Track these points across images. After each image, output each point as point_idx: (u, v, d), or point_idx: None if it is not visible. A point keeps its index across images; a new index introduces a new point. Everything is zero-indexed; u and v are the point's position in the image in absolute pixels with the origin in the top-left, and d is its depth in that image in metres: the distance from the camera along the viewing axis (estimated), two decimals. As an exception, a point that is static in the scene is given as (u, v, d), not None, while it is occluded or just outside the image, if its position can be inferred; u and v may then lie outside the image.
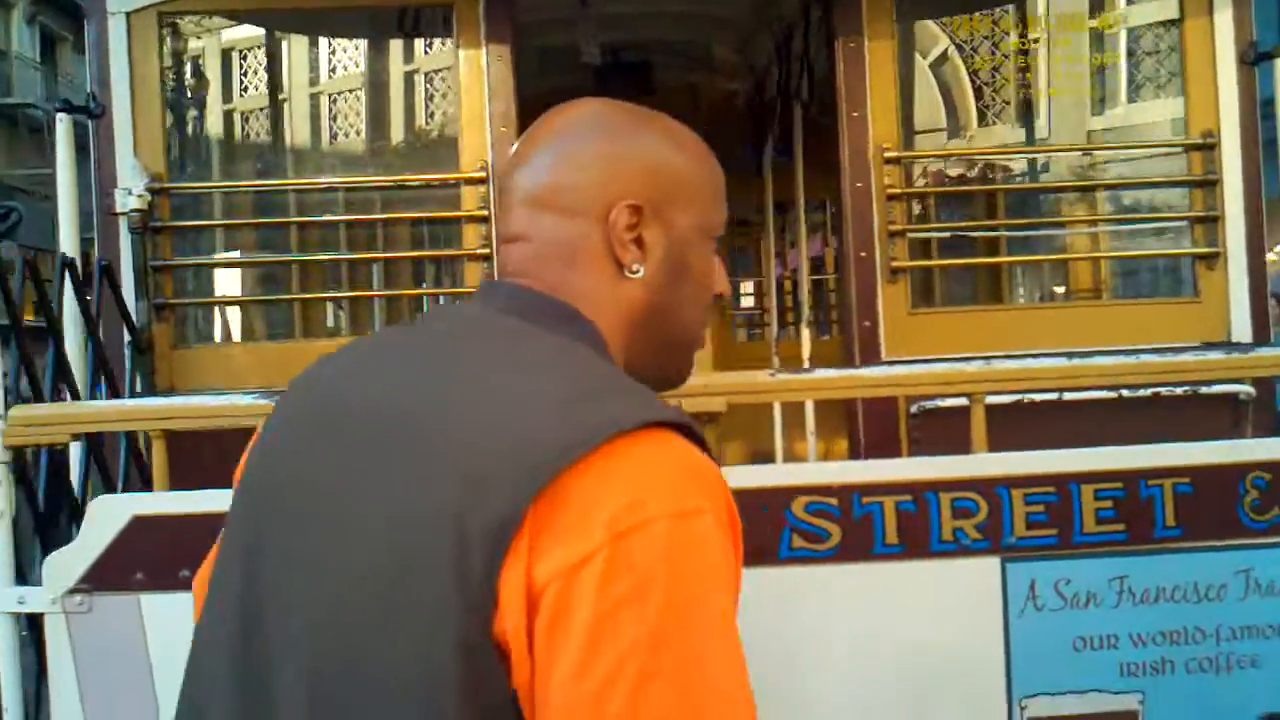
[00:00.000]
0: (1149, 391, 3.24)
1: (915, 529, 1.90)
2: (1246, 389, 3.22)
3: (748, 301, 10.40)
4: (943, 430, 2.89)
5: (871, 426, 3.37)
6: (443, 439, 1.06)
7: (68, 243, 3.26)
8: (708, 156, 1.28)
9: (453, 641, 0.98)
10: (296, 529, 1.12)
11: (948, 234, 3.95)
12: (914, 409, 3.32)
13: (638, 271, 1.20)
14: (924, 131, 4.62)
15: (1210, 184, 3.45)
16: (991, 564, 1.91)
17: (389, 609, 1.03)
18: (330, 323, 4.23)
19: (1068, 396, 3.18)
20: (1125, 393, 3.23)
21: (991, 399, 2.06)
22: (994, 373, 1.96)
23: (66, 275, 2.91)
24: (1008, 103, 4.52)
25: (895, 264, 3.38)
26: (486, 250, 3.48)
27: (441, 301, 4.40)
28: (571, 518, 0.98)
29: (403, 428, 1.09)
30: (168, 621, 1.95)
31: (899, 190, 3.43)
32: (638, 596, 0.96)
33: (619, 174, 1.21)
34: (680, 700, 0.95)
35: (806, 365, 5.09)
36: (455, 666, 0.98)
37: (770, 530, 1.90)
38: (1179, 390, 3.23)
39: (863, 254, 3.39)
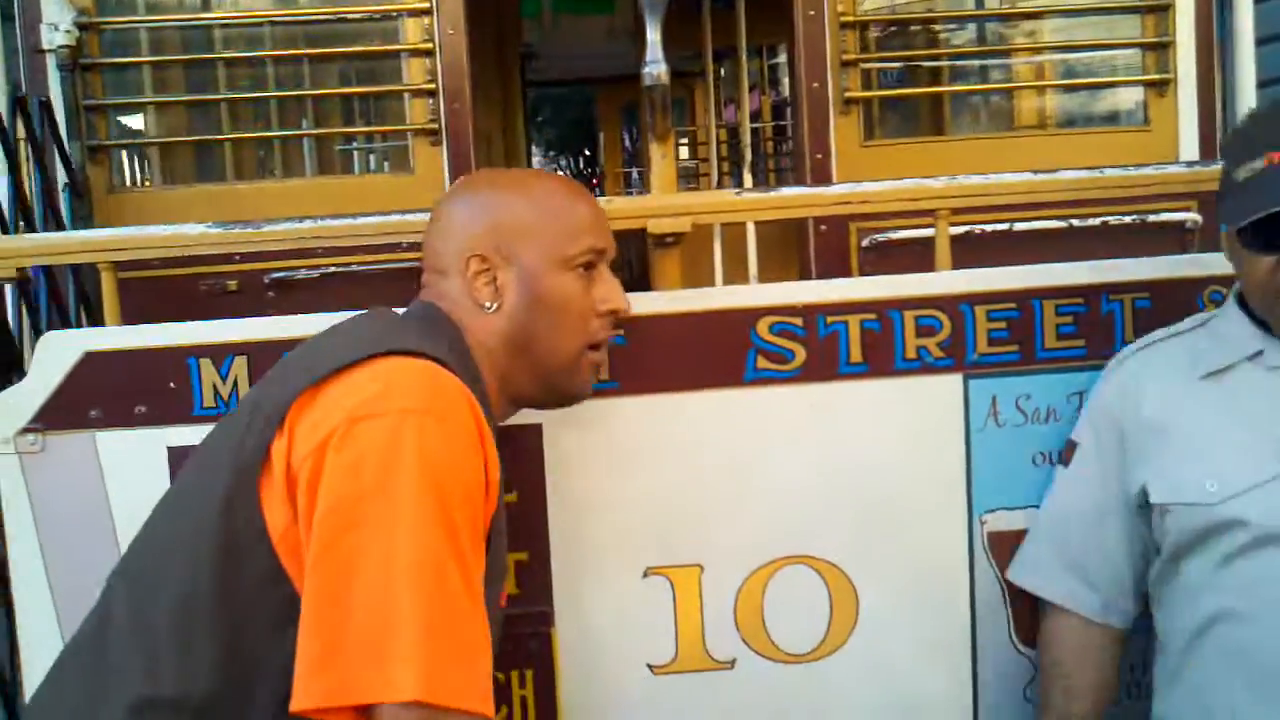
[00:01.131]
0: (1098, 221, 3.28)
1: (879, 347, 1.91)
2: (1193, 216, 3.26)
3: (684, 153, 10.31)
4: (894, 264, 2.90)
5: (823, 261, 3.38)
6: (286, 366, 1.46)
7: (-6, 79, 3.14)
8: (561, 198, 1.59)
9: (218, 494, 1.33)
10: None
11: (900, 65, 3.91)
12: (866, 242, 3.33)
13: (491, 307, 1.53)
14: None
15: (1162, 9, 3.43)
16: (954, 381, 1.92)
17: (200, 468, 1.43)
18: (262, 165, 4.14)
19: (1019, 227, 3.21)
20: (1075, 222, 3.26)
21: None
22: (960, 188, 1.95)
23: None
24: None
25: (848, 94, 3.34)
26: (432, 86, 3.39)
27: (376, 141, 4.35)
28: (327, 408, 1.32)
29: (279, 365, 1.51)
30: (124, 459, 1.92)
31: (852, 19, 3.37)
32: (355, 466, 1.27)
33: (464, 231, 1.55)
34: (370, 542, 1.24)
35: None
36: (213, 512, 1.33)
37: (735, 351, 1.89)
38: (1127, 219, 3.26)
39: (815, 85, 3.35)
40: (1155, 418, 1.71)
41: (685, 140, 10.03)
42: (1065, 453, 1.84)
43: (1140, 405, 1.72)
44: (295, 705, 1.22)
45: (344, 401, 1.31)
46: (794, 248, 3.92)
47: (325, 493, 1.27)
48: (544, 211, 1.57)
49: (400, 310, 1.60)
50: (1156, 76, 3.46)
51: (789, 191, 2.12)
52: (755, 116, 7.29)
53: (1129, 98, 3.76)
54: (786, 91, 6.39)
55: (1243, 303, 1.71)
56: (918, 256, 2.09)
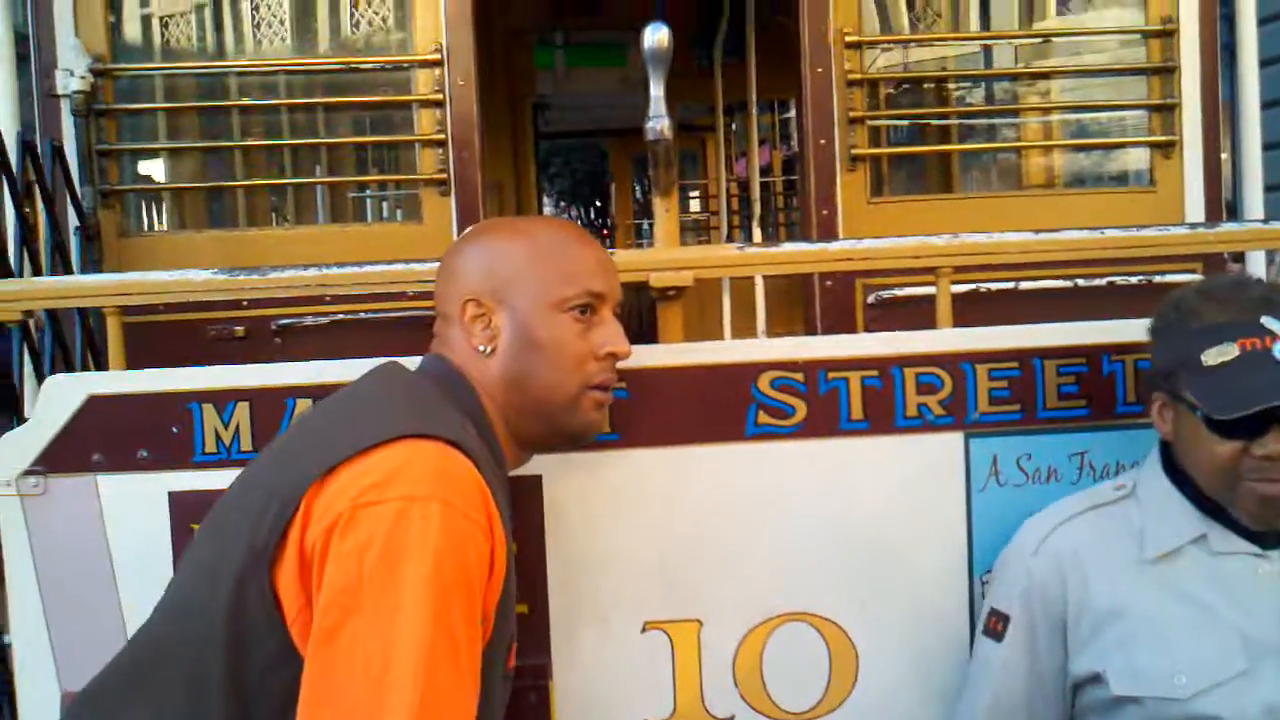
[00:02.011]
0: (1104, 281, 3.28)
1: (880, 404, 1.91)
2: (1199, 279, 3.27)
3: (695, 205, 10.37)
4: (900, 320, 2.91)
5: (829, 317, 3.38)
6: (303, 442, 1.46)
7: (8, 124, 3.17)
8: (559, 243, 1.61)
9: (232, 573, 1.34)
10: (222, 500, 1.52)
11: (907, 122, 3.94)
12: (871, 299, 3.34)
13: (484, 349, 1.55)
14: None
15: (1168, 71, 3.45)
16: (955, 439, 1.92)
17: (215, 545, 1.42)
18: (275, 211, 4.17)
19: (1024, 286, 3.21)
20: (1080, 282, 3.26)
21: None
22: (962, 246, 1.95)
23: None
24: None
25: (855, 151, 3.36)
26: (441, 136, 3.42)
27: (388, 189, 4.37)
28: (336, 492, 1.33)
29: (290, 434, 1.56)
30: (125, 502, 1.92)
31: (859, 76, 3.40)
32: (357, 552, 1.28)
33: (463, 277, 1.58)
34: (368, 630, 1.26)
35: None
36: (227, 590, 1.34)
37: (736, 406, 1.90)
38: (1133, 280, 3.27)
39: (822, 141, 3.37)
40: (1106, 603, 1.69)
41: (696, 193, 10.10)
42: (993, 623, 1.78)
43: (1086, 587, 1.70)
44: None
45: (351, 487, 1.33)
46: (800, 303, 3.93)
47: (328, 580, 1.29)
48: (539, 255, 1.59)
49: (413, 367, 1.61)
50: (1162, 138, 3.47)
51: (790, 247, 2.13)
52: (766, 171, 7.36)
53: (1135, 159, 3.78)
54: (797, 146, 6.43)
55: (1171, 474, 1.71)
56: (923, 313, 2.09)
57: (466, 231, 1.72)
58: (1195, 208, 3.46)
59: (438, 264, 1.68)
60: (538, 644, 1.87)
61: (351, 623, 1.27)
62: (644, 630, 1.90)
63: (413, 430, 1.38)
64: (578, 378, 1.58)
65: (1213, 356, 1.59)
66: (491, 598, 1.40)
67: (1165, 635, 1.63)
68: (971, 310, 2.22)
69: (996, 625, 1.76)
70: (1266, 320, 1.60)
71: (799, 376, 1.91)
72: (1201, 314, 1.64)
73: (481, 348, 1.56)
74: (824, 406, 1.91)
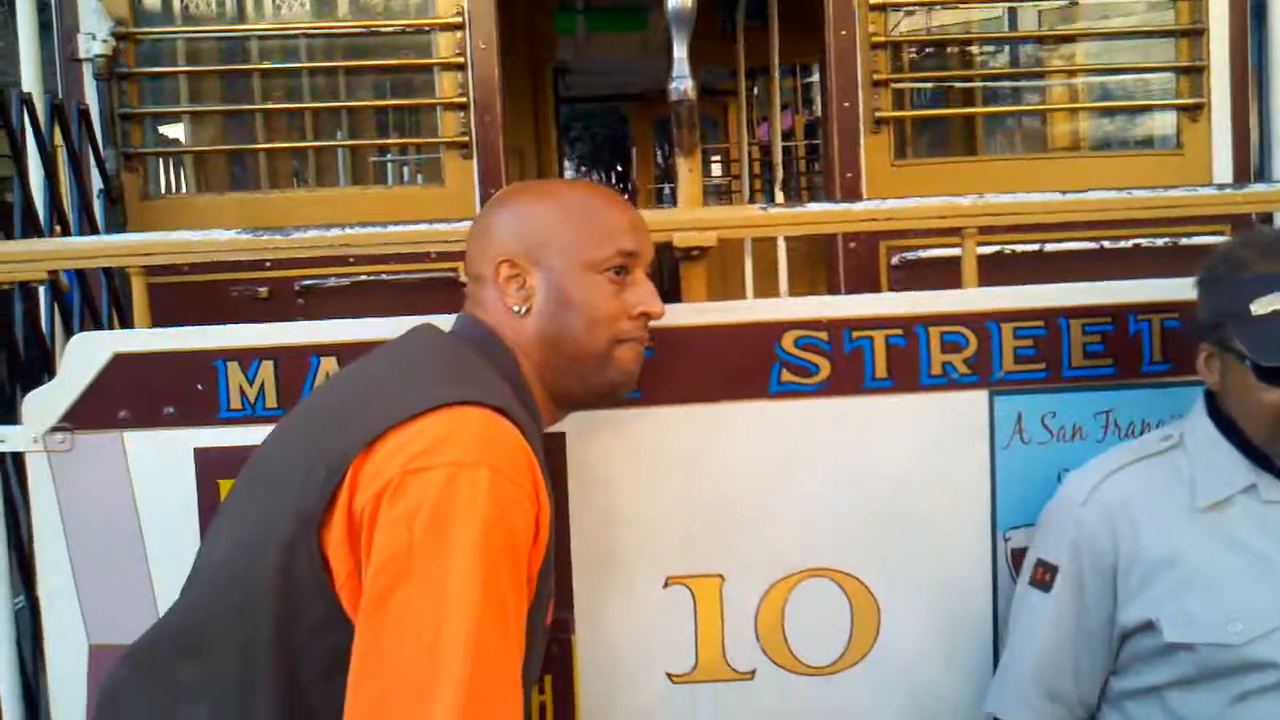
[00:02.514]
0: (1130, 244, 3.26)
1: (904, 363, 1.91)
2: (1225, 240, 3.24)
3: (716, 170, 10.35)
4: (924, 282, 2.89)
5: (853, 279, 3.38)
6: (348, 406, 1.46)
7: (33, 88, 3.18)
8: (591, 204, 1.62)
9: (280, 538, 1.36)
10: (258, 457, 1.56)
11: (931, 85, 3.91)
12: (895, 261, 3.32)
13: (519, 310, 1.57)
14: None
15: (1196, 33, 3.42)
16: (979, 397, 1.92)
17: (259, 506, 1.43)
18: (296, 174, 4.18)
19: (1049, 248, 3.19)
20: (1106, 244, 3.24)
21: (973, 250, 2.05)
22: (987, 206, 1.94)
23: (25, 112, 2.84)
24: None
25: (879, 114, 3.34)
26: (463, 99, 3.41)
27: (410, 153, 4.36)
28: (384, 458, 1.34)
29: (330, 394, 1.57)
30: (151, 459, 1.94)
31: (883, 39, 3.38)
32: (406, 518, 1.29)
33: (497, 239, 1.59)
34: (419, 597, 1.27)
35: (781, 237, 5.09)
36: (275, 555, 1.36)
37: (759, 365, 1.90)
38: (1160, 242, 3.25)
39: (846, 104, 3.35)
40: (1157, 552, 1.69)
41: (718, 158, 10.07)
42: (1039, 574, 1.79)
43: (1137, 537, 1.71)
44: None
45: (399, 453, 1.34)
46: (824, 266, 3.92)
47: (377, 547, 1.30)
48: (572, 217, 1.60)
49: (447, 327, 1.63)
50: (1190, 100, 3.44)
51: (814, 207, 2.12)
52: (788, 135, 7.31)
53: (1162, 122, 3.75)
54: (819, 110, 6.40)
55: (1218, 421, 1.72)
56: (948, 275, 2.08)
57: (499, 194, 1.73)
58: (1223, 171, 3.43)
59: (462, 224, 1.69)
60: (561, 598, 1.88)
61: (402, 589, 1.28)
62: (666, 585, 1.91)
63: (459, 397, 1.39)
64: (610, 335, 1.59)
65: (1261, 306, 1.60)
66: (535, 562, 1.41)
67: (1218, 583, 1.64)
68: (997, 272, 2.21)
69: (1044, 576, 1.77)
70: None
71: (823, 335, 1.90)
72: (1250, 264, 1.65)
73: (516, 308, 1.57)
74: (848, 365, 1.91)
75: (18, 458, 2.05)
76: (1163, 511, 1.70)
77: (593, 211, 1.62)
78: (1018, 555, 1.90)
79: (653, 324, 1.67)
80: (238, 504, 1.53)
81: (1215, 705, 1.63)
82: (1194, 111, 3.44)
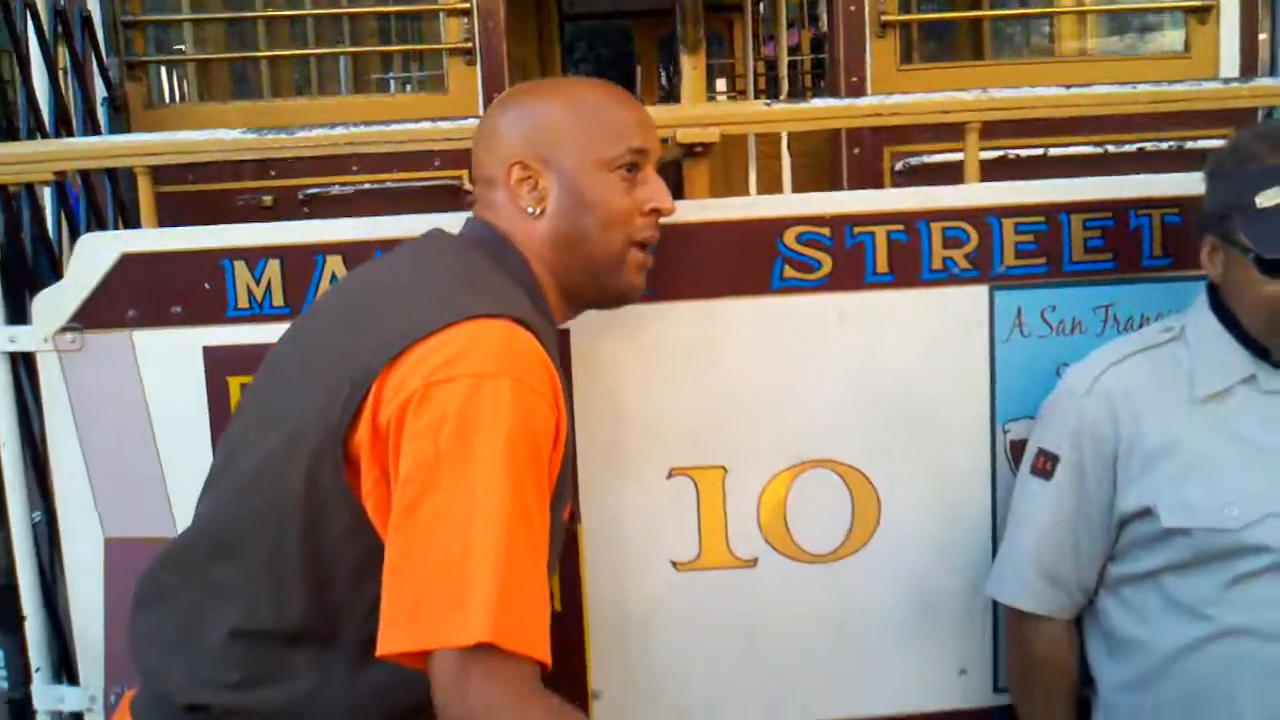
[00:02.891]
0: (1134, 147, 3.25)
1: (906, 258, 1.92)
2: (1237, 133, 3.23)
3: (721, 86, 10.26)
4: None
5: (855, 184, 3.37)
6: (367, 318, 1.47)
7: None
8: (601, 102, 1.61)
9: (306, 450, 1.40)
10: (278, 359, 1.58)
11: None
12: (899, 166, 3.32)
13: (533, 211, 1.57)
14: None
15: (1205, -68, 3.39)
16: (980, 292, 1.93)
17: (285, 419, 1.45)
18: (299, 82, 4.17)
19: (1053, 152, 3.19)
20: (1110, 148, 3.23)
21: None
22: (991, 101, 1.94)
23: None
24: None
25: (885, 17, 3.32)
26: (466, 5, 3.39)
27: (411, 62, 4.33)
28: (407, 371, 1.36)
29: (347, 303, 1.56)
30: (161, 357, 1.97)
31: (890, -61, 3.35)
32: (432, 428, 1.31)
33: (506, 141, 1.59)
34: (447, 503, 1.30)
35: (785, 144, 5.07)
36: (301, 466, 1.40)
37: (762, 261, 1.91)
38: (1164, 145, 3.24)
39: (851, 7, 3.33)
40: (1157, 440, 1.72)
41: (723, 75, 9.98)
42: (1040, 463, 1.83)
43: (1138, 425, 1.73)
44: (380, 651, 1.30)
45: (422, 366, 1.36)
46: (827, 173, 3.91)
47: (405, 457, 1.33)
48: (583, 116, 1.60)
49: (458, 233, 1.63)
50: (1198, 3, 3.41)
51: (819, 103, 2.11)
52: (794, 50, 7.24)
53: (1171, 24, 3.71)
54: (825, 18, 6.35)
55: (1219, 313, 1.73)
56: (951, 179, 2.08)
57: (504, 94, 1.72)
58: (1231, 74, 3.41)
59: (468, 122, 1.69)
60: (566, 489, 1.92)
61: (430, 496, 1.31)
62: (670, 476, 1.94)
63: (479, 310, 1.40)
64: (624, 234, 1.60)
65: (1267, 198, 1.61)
66: (555, 466, 1.44)
67: (1216, 470, 1.67)
68: (999, 175, 2.21)
69: (1045, 465, 1.80)
70: None
71: (825, 231, 1.91)
72: (1259, 157, 1.65)
73: (530, 209, 1.57)
74: (849, 260, 1.92)
75: (29, 359, 2.08)
76: (1163, 401, 1.72)
77: (602, 109, 1.61)
78: (1017, 447, 1.92)
79: (673, 213, 1.68)
80: (260, 409, 1.55)
81: (1210, 588, 1.66)
82: (1202, 14, 3.42)
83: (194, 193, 3.11)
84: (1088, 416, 1.76)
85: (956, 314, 1.95)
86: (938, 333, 1.95)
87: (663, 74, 11.78)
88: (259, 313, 1.94)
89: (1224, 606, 1.66)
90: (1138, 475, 1.72)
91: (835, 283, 1.92)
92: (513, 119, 1.62)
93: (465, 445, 1.31)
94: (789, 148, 4.56)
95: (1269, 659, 1.63)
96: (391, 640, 1.29)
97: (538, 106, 1.62)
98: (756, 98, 6.87)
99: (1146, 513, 1.70)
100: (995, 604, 1.94)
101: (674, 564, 1.98)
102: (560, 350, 1.88)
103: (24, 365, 2.13)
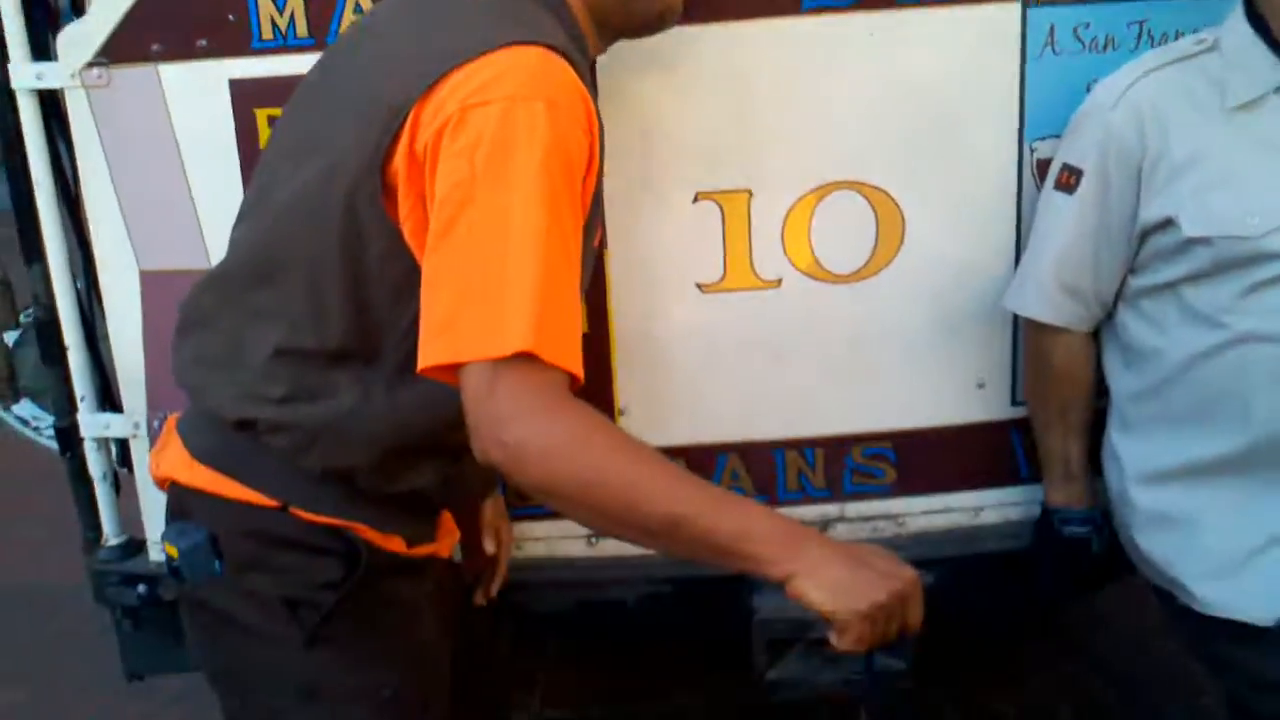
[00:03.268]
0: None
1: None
2: None
3: None
4: None
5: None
6: (401, 48, 1.49)
7: None
8: None
9: (346, 175, 1.44)
10: (310, 91, 1.61)
11: None
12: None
13: None
14: None
15: None
16: (1012, 8, 1.93)
17: (322, 148, 1.48)
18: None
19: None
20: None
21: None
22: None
23: None
24: None
25: None
26: None
27: None
28: (444, 97, 1.37)
29: (380, 34, 1.57)
30: (187, 90, 2.00)
31: None
32: (468, 150, 1.33)
33: None
34: (484, 219, 1.33)
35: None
36: (340, 192, 1.44)
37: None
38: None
39: None
40: (1184, 151, 1.72)
41: None
42: (1064, 177, 1.85)
43: (1166, 137, 1.73)
44: (420, 366, 1.35)
45: (458, 91, 1.36)
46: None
47: (440, 179, 1.35)
48: None
49: None
50: None
51: None
52: None
53: None
54: None
55: (1254, 22, 1.71)
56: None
57: None
58: None
59: None
60: (590, 213, 1.96)
61: (466, 214, 1.33)
62: (695, 200, 1.99)
63: (514, 39, 1.41)
64: None
65: None
66: (589, 192, 1.47)
67: (1241, 180, 1.68)
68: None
69: (1069, 179, 1.83)
70: None
71: None
72: None
73: None
74: None
75: (56, 98, 2.11)
76: (1193, 112, 1.73)
77: None
78: (1043, 165, 1.95)
79: None
80: (293, 140, 1.58)
81: (1227, 296, 1.70)
82: None
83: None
84: (1114, 129, 1.77)
85: (988, 32, 1.95)
86: (969, 51, 1.95)
87: None
88: (283, 44, 1.96)
89: (1239, 314, 1.69)
90: (1162, 187, 1.73)
91: (866, 2, 1.92)
92: None
93: (501, 165, 1.33)
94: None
95: None
96: (431, 354, 1.34)
97: None
98: None
99: (1168, 223, 1.73)
100: (1015, 319, 2.01)
101: (699, 286, 2.04)
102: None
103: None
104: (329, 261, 1.47)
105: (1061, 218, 1.84)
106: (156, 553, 2.28)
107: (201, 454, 1.60)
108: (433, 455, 1.61)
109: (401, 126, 1.40)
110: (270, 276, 1.52)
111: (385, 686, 1.64)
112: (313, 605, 1.59)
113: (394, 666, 1.66)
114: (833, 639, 1.33)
